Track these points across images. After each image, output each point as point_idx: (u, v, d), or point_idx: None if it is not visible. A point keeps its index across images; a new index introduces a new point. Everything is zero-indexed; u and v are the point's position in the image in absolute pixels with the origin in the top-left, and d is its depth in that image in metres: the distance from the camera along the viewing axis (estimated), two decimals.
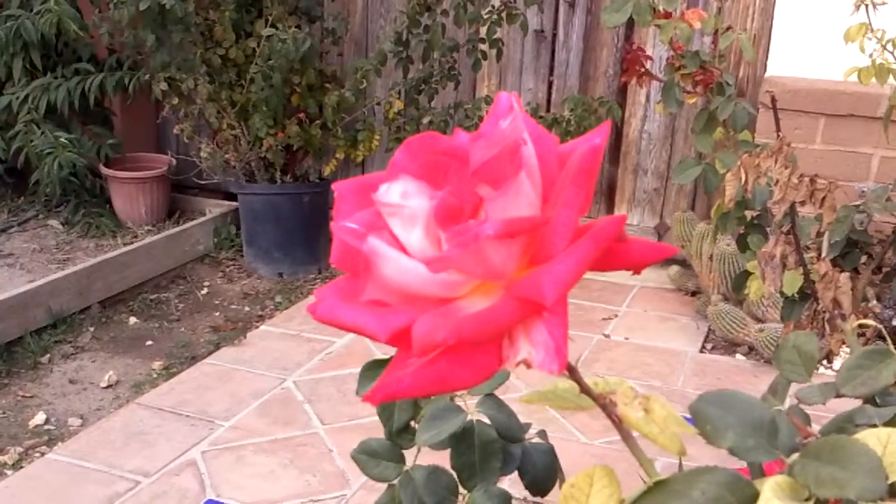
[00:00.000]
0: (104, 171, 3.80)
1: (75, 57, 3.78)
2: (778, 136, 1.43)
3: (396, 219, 0.46)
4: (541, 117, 3.46)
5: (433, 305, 0.45)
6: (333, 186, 0.53)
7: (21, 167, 3.70)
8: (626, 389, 0.50)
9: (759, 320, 3.00)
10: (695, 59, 1.67)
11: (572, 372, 0.50)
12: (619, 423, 0.51)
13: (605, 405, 0.50)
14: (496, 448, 0.89)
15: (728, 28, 1.72)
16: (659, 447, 0.53)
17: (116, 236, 3.74)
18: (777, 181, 1.44)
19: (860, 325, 0.86)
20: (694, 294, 3.41)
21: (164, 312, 3.28)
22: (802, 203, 1.45)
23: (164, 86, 3.49)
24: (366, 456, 0.93)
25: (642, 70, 1.68)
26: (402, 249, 0.46)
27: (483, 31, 3.37)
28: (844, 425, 0.57)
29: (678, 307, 3.35)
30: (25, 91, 3.64)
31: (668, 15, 1.66)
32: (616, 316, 3.27)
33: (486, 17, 3.33)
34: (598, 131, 0.46)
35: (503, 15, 3.33)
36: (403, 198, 0.46)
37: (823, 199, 1.44)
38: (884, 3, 1.54)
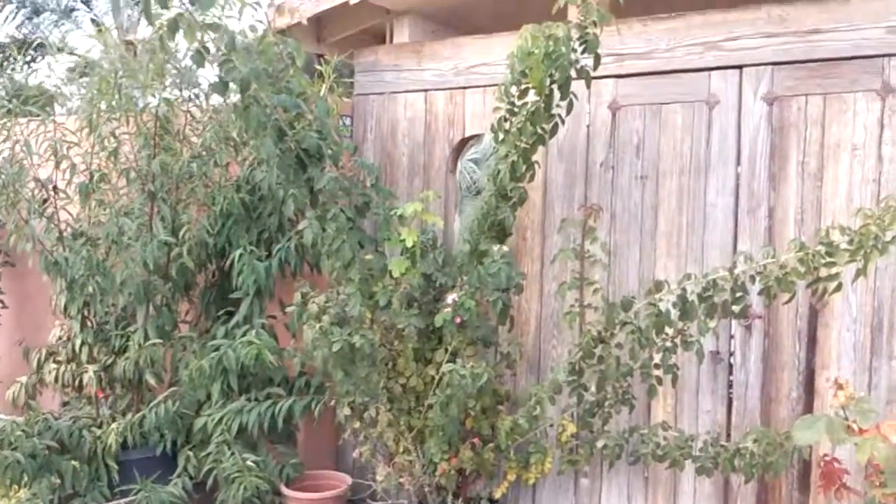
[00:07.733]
0: (285, 490, 3.92)
1: (268, 378, 4.04)
2: None
3: None
4: (722, 446, 3.33)
5: None
6: None
7: (210, 486, 3.88)
8: None
9: None
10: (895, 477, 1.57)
11: None
12: None
13: None
14: None
15: None
16: None
17: None
18: None
19: None
20: None
21: None
22: None
23: (347, 411, 3.66)
24: None
25: (839, 484, 1.60)
26: None
27: (657, 357, 3.36)
28: None
29: None
30: (221, 413, 3.90)
31: (863, 431, 1.59)
32: None
33: (659, 343, 3.33)
34: None
35: (677, 341, 3.33)
36: None
37: None
38: None
